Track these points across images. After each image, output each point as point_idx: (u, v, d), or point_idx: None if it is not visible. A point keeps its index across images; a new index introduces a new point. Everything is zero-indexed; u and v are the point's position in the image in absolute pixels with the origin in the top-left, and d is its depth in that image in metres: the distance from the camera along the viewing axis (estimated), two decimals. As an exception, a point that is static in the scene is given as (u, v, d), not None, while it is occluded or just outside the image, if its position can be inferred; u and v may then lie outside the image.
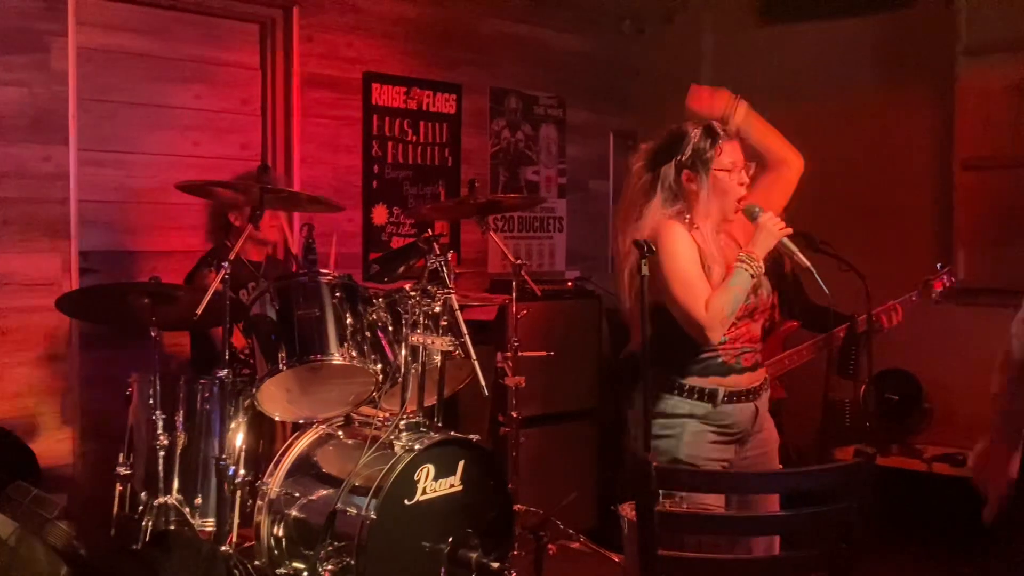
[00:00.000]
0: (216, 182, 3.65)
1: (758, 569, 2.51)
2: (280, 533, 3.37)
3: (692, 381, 2.91)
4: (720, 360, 2.92)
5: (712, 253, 2.91)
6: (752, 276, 2.85)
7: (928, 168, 5.24)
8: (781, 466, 3.15)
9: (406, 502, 3.19)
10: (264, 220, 4.12)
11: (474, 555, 3.24)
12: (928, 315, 4.16)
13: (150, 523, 3.39)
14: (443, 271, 3.50)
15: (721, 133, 2.93)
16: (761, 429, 3.02)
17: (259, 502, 3.41)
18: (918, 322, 4.26)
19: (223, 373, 3.30)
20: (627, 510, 2.55)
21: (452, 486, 3.31)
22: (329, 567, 3.14)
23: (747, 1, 5.87)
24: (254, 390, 3.38)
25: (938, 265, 4.16)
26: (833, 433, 4.93)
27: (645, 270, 2.71)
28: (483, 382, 3.43)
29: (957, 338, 4.98)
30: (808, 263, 2.93)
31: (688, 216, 2.93)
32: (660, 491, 2.29)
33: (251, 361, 3.61)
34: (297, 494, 3.37)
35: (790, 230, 2.92)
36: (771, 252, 2.93)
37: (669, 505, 2.46)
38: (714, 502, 2.76)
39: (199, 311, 3.25)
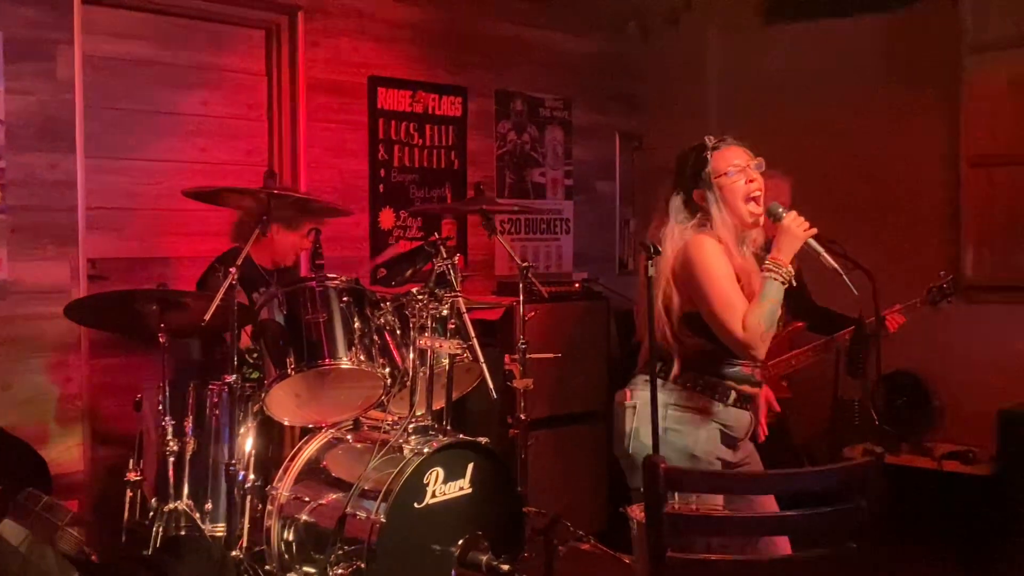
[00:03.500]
0: (224, 188, 3.65)
1: (768, 570, 2.49)
2: (290, 537, 3.37)
3: (709, 379, 2.91)
4: (738, 368, 2.92)
5: (744, 266, 2.88)
6: (783, 283, 2.81)
7: (935, 166, 5.23)
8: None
9: (416, 505, 3.20)
10: (290, 240, 4.09)
11: (484, 557, 3.24)
12: (936, 312, 4.19)
13: (161, 529, 3.40)
14: (450, 274, 3.50)
15: (710, 145, 2.92)
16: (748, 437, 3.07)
17: (269, 507, 3.42)
18: (926, 320, 4.27)
19: (232, 378, 3.31)
20: (636, 511, 2.55)
21: (461, 489, 3.31)
22: (339, 571, 3.14)
23: (752, 1, 5.86)
24: (263, 395, 3.39)
25: (941, 273, 4.20)
26: (842, 432, 4.93)
27: (652, 271, 2.71)
28: (491, 384, 3.43)
29: (966, 335, 4.97)
30: (835, 264, 2.85)
31: (711, 228, 2.89)
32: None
33: (259, 363, 3.61)
34: (307, 498, 3.37)
35: (815, 230, 2.85)
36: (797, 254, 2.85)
37: (678, 506, 2.45)
38: (717, 502, 2.76)
39: (207, 317, 3.25)
